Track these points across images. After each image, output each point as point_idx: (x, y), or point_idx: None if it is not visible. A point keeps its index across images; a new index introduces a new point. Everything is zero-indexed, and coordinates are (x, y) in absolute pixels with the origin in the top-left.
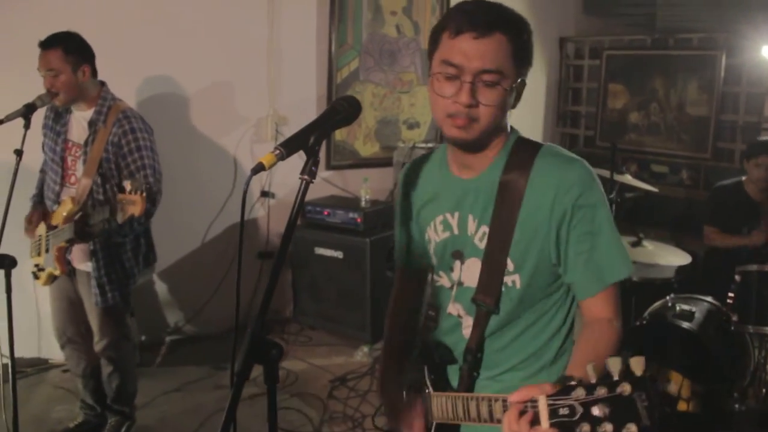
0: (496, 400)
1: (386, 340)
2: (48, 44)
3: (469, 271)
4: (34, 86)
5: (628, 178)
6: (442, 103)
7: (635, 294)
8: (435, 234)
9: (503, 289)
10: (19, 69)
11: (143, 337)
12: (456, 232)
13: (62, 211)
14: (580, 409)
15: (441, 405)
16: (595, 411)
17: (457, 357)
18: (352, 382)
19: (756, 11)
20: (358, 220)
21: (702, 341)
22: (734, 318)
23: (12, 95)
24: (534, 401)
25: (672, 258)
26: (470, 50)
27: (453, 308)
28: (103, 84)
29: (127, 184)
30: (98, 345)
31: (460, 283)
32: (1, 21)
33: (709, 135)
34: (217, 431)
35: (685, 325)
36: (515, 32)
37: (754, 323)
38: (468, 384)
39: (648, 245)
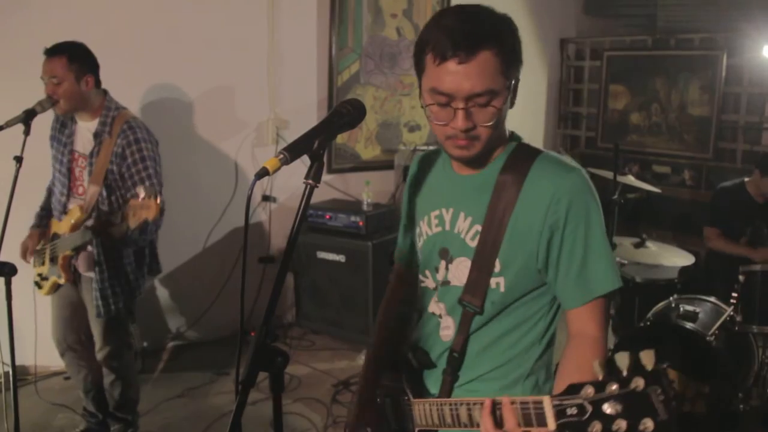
0: (480, 403)
1: (374, 342)
2: (53, 52)
3: (457, 270)
4: (35, 93)
5: (630, 179)
6: (440, 128)
7: (639, 295)
8: (428, 228)
9: (488, 290)
10: (20, 76)
11: (145, 344)
12: (447, 228)
13: (70, 218)
14: (589, 408)
15: (423, 412)
16: (607, 409)
17: (435, 361)
18: (355, 386)
19: (757, 11)
20: (360, 224)
21: (706, 342)
22: (738, 318)
23: (12, 102)
24: (538, 402)
25: (675, 258)
26: (457, 77)
27: (436, 308)
28: (105, 93)
29: (140, 190)
30: (100, 354)
31: (446, 282)
32: (2, 28)
33: (710, 135)
34: None
35: (689, 325)
36: (500, 43)
37: (758, 323)
38: (449, 388)
39: (651, 246)
